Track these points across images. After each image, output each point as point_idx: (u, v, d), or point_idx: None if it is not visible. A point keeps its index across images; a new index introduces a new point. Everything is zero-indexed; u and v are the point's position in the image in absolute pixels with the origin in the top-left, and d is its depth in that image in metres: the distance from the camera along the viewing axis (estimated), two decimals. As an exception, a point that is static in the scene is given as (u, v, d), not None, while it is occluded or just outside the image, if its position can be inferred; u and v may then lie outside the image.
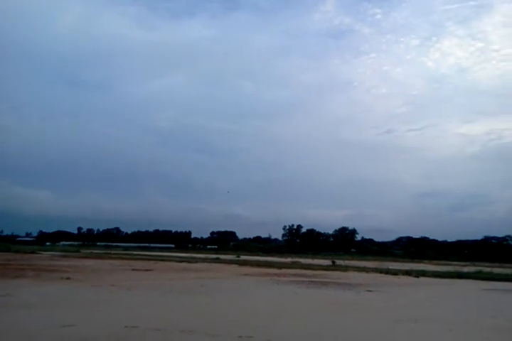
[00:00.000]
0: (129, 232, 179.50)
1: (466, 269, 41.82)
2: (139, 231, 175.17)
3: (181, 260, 47.45)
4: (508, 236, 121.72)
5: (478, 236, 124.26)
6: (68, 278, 21.44)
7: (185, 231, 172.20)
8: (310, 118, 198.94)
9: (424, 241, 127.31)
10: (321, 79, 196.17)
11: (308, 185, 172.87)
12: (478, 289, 25.65)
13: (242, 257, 61.24)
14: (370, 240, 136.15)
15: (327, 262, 52.07)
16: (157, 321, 10.71)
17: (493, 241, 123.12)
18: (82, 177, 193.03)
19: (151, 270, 30.54)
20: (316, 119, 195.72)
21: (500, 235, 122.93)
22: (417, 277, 34.32)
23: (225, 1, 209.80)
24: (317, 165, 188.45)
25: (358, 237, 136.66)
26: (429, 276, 35.31)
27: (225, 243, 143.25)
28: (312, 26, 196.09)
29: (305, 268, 39.51)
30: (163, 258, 49.55)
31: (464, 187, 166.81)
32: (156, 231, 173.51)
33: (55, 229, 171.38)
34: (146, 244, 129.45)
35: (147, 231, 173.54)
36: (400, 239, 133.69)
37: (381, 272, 38.12)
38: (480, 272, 40.12)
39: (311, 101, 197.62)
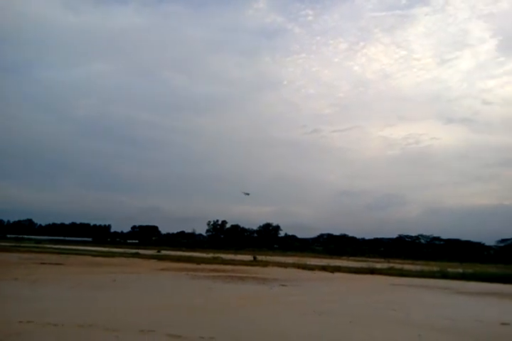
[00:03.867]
0: (43, 224, 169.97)
1: (379, 265, 43.75)
2: (53, 224, 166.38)
3: (97, 254, 45.59)
4: (421, 235, 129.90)
5: (394, 235, 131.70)
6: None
7: (105, 225, 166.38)
8: (240, 114, 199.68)
9: (343, 238, 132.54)
10: (252, 76, 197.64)
11: (236, 181, 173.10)
12: (387, 284, 26.87)
13: (164, 252, 60.03)
14: (293, 236, 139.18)
15: (249, 257, 52.41)
16: (56, 316, 10.09)
17: (406, 239, 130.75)
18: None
19: (61, 264, 28.96)
20: (247, 116, 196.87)
21: (413, 234, 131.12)
22: (333, 272, 35.41)
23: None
24: (245, 161, 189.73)
25: (282, 233, 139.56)
26: (344, 272, 36.59)
27: (146, 238, 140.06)
28: (245, 23, 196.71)
29: (226, 264, 39.43)
30: (78, 252, 47.32)
31: (383, 187, 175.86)
32: (73, 224, 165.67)
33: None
34: (62, 237, 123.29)
35: (63, 224, 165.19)
36: (320, 236, 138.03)
37: (299, 267, 38.98)
38: (392, 268, 42.18)
39: (243, 98, 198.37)
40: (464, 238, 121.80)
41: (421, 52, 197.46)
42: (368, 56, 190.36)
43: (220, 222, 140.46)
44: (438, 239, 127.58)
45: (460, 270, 41.03)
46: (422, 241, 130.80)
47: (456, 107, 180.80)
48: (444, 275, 36.23)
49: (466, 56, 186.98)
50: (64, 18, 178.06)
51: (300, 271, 36.20)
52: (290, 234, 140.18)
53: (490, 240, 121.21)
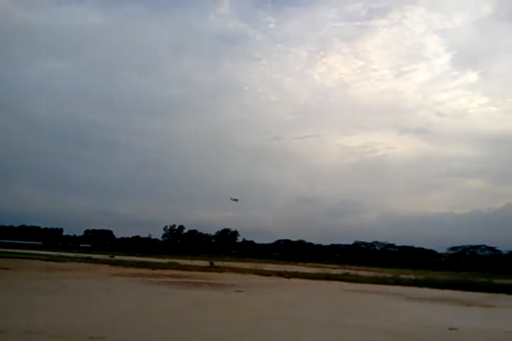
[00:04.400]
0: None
1: (335, 271, 44.34)
2: (2, 226, 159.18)
3: (48, 259, 43.90)
4: (376, 241, 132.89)
5: (350, 241, 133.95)
6: None
7: (56, 228, 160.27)
8: (201, 118, 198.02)
9: (300, 244, 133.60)
10: (214, 81, 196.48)
11: (194, 186, 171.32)
12: (342, 290, 27.23)
13: (117, 257, 58.54)
14: (251, 242, 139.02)
15: (206, 263, 51.88)
16: (0, 323, 9.58)
17: (362, 246, 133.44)
18: None
19: (8, 269, 27.68)
20: (208, 120, 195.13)
21: (368, 241, 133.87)
22: (289, 278, 35.56)
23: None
24: (205, 166, 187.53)
25: (240, 239, 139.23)
26: (300, 277, 36.85)
27: (100, 242, 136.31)
28: (207, 27, 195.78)
29: (182, 269, 38.87)
30: (27, 257, 45.40)
31: (341, 194, 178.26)
32: (23, 226, 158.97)
33: None
34: (10, 241, 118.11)
35: (12, 227, 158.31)
36: (278, 242, 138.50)
37: (256, 273, 38.91)
38: (347, 274, 42.83)
39: (204, 102, 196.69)
40: (416, 245, 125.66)
41: (379, 63, 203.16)
42: (328, 65, 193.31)
43: (177, 227, 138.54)
44: (392, 245, 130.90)
45: (412, 276, 42.19)
46: (377, 247, 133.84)
47: (411, 118, 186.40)
48: (397, 282, 37.07)
49: (421, 69, 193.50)
50: (19, 15, 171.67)
51: (257, 276, 36.16)
52: (248, 239, 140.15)
53: (441, 247, 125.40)
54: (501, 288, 32.62)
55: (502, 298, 27.10)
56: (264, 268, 44.59)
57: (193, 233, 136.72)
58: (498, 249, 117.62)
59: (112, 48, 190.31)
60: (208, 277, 31.20)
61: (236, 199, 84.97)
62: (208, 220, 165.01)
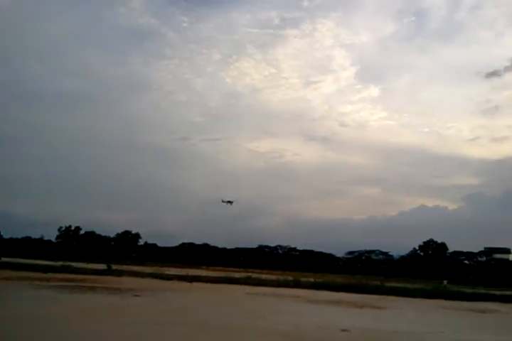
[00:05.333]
0: None
1: (237, 275, 44.42)
2: None
3: None
4: (279, 245, 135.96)
5: (254, 245, 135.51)
6: None
7: None
8: (106, 115, 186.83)
9: (205, 247, 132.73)
10: (121, 76, 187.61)
11: (94, 186, 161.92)
12: (243, 293, 27.26)
13: (4, 259, 53.89)
14: (153, 245, 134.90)
15: (103, 266, 49.44)
16: None
17: (265, 249, 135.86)
18: None
19: None
20: (112, 117, 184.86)
21: (272, 244, 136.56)
22: (191, 282, 34.99)
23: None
24: (107, 164, 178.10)
25: (141, 242, 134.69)
26: (203, 281, 36.37)
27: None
28: (117, 20, 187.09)
29: (76, 273, 36.73)
30: None
31: (247, 198, 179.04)
32: None
33: None
34: None
35: None
36: (182, 245, 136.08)
37: (156, 277, 37.78)
38: (249, 278, 43.06)
39: (109, 98, 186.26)
40: (317, 249, 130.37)
41: (289, 71, 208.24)
42: (240, 70, 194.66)
43: (73, 228, 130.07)
44: (294, 249, 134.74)
45: (312, 279, 43.55)
46: (280, 251, 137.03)
47: (317, 127, 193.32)
48: (297, 285, 38.00)
49: (328, 80, 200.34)
50: None
51: (157, 281, 35.13)
52: (151, 242, 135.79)
53: (340, 252, 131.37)
54: (392, 291, 34.72)
55: (392, 300, 28.77)
56: (166, 272, 43.49)
57: (90, 235, 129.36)
58: (390, 253, 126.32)
59: (5, 32, 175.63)
60: (105, 281, 29.77)
61: (230, 202, 78.36)
62: (108, 221, 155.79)
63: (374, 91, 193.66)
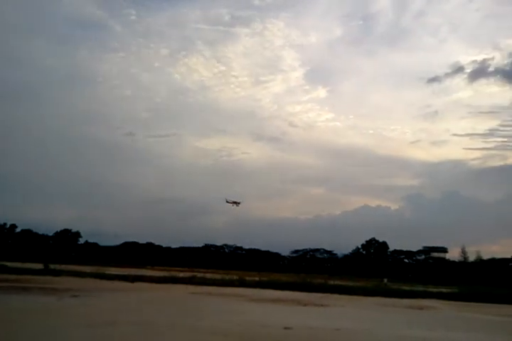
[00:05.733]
0: None
1: (182, 274, 43.73)
2: None
3: None
4: (225, 244, 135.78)
5: (200, 244, 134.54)
6: None
7: None
8: (46, 106, 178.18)
9: (149, 246, 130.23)
10: (65, 68, 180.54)
11: (32, 182, 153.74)
12: (187, 293, 26.82)
13: None
14: (94, 244, 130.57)
15: (40, 266, 47.25)
16: None
17: (212, 248, 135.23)
18: None
19: None
20: (53, 109, 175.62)
21: (219, 243, 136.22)
22: (133, 282, 34.12)
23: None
24: (46, 159, 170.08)
25: (82, 241, 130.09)
26: (146, 281, 35.57)
27: None
28: (61, 10, 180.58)
29: (10, 273, 34.86)
30: None
31: (194, 196, 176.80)
32: None
33: None
34: None
35: None
36: (125, 244, 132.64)
37: (97, 277, 36.56)
38: (193, 277, 42.46)
39: (51, 89, 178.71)
40: (263, 248, 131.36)
41: (239, 70, 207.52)
42: (189, 66, 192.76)
43: (8, 226, 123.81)
44: (241, 248, 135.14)
45: (257, 278, 43.61)
46: (226, 250, 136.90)
47: (266, 126, 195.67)
48: (242, 284, 37.92)
49: (278, 80, 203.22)
50: None
51: (98, 280, 33.98)
52: (92, 241, 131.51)
53: (286, 250, 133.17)
54: (335, 289, 35.33)
55: (335, 297, 29.24)
56: (107, 272, 42.12)
57: (27, 233, 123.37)
58: (334, 252, 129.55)
59: None
60: (41, 281, 28.53)
61: (237, 203, 72.55)
62: (46, 219, 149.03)
63: (322, 92, 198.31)
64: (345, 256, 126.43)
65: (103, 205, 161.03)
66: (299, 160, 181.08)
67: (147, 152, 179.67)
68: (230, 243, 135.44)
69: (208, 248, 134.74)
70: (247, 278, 41.92)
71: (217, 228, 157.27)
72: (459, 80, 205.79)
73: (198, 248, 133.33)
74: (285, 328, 12.92)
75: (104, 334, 10.60)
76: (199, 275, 45.71)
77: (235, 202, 74.44)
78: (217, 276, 45.76)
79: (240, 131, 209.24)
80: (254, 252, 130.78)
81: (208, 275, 47.00)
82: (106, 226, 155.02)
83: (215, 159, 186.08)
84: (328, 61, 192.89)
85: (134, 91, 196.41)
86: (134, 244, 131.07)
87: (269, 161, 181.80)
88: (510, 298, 31.74)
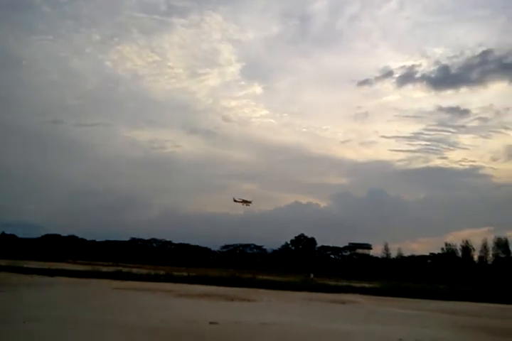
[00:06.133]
0: None
1: (106, 269, 42.26)
2: None
3: None
4: (153, 239, 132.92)
5: (127, 238, 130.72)
6: None
7: None
8: None
9: (71, 239, 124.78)
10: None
11: None
12: (111, 288, 25.87)
13: None
14: (12, 236, 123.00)
15: None
16: None
17: (139, 243, 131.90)
18: None
19: None
20: None
21: (147, 237, 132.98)
22: (53, 276, 32.53)
23: None
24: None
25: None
26: (67, 275, 34.10)
27: None
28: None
29: None
30: None
31: (123, 189, 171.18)
32: None
33: None
34: None
35: None
36: (46, 237, 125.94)
37: (13, 271, 34.44)
38: (118, 272, 41.15)
39: None
40: (194, 243, 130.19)
41: (174, 61, 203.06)
42: (122, 53, 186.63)
43: None
44: (169, 243, 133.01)
45: (185, 273, 43.04)
46: (154, 245, 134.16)
47: (200, 119, 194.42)
48: (169, 279, 37.24)
49: (214, 74, 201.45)
50: None
51: (14, 275, 31.97)
52: (9, 233, 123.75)
53: (216, 245, 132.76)
54: (263, 284, 35.65)
55: (262, 292, 29.43)
56: (25, 266, 39.78)
57: None
58: (264, 247, 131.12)
59: None
60: None
61: (247, 202, 66.92)
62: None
63: (258, 89, 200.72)
64: (275, 252, 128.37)
65: (23, 196, 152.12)
66: (233, 156, 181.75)
67: (74, 141, 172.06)
68: (159, 237, 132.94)
69: (134, 242, 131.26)
70: (175, 273, 41.26)
71: (146, 222, 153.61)
72: (388, 84, 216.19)
73: (125, 242, 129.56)
74: (211, 323, 12.75)
75: (19, 331, 10.07)
76: (124, 269, 44.41)
77: (244, 201, 71.09)
78: (143, 271, 44.64)
79: (173, 124, 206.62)
80: (184, 247, 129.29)
81: (134, 270, 45.73)
82: (26, 217, 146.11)
83: (145, 151, 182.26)
84: (265, 58, 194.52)
85: (62, 77, 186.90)
86: (56, 236, 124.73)
87: (202, 155, 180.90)
88: (427, 293, 33.63)
